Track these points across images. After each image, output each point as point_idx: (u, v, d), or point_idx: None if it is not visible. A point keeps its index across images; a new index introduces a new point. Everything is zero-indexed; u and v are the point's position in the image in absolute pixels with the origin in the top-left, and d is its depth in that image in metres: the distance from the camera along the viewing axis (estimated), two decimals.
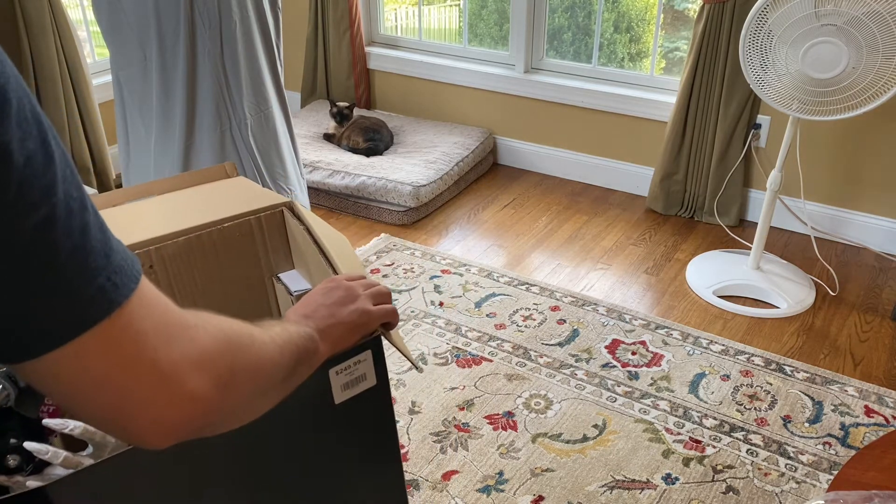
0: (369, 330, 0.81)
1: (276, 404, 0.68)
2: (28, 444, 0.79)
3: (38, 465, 0.86)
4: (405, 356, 0.85)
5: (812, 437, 1.90)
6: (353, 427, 0.84)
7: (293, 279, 1.15)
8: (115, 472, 0.69)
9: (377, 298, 0.83)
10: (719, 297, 2.45)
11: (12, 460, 0.85)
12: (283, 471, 0.80)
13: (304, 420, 0.79)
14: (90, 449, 0.84)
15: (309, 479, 0.83)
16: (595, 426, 1.93)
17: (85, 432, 0.83)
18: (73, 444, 0.84)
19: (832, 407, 1.99)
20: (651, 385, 2.07)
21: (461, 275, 2.58)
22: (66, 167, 0.47)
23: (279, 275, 1.17)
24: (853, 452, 1.84)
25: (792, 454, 1.84)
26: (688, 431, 1.91)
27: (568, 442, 1.88)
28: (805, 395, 2.04)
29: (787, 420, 1.95)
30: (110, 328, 0.48)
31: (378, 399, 0.84)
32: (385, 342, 0.85)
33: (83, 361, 0.47)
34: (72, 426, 0.82)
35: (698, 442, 1.88)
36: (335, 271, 0.95)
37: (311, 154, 3.09)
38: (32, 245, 0.44)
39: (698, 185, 2.92)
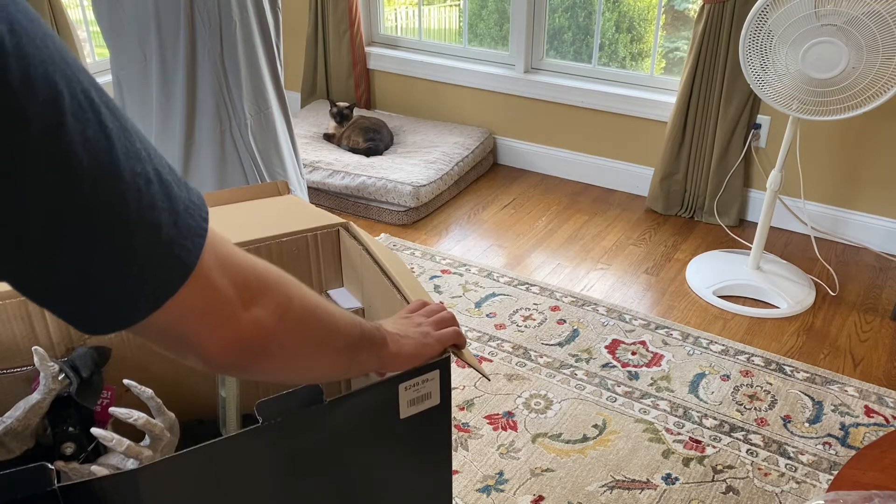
0: (433, 352, 0.84)
1: (335, 376, 0.72)
2: (96, 431, 0.83)
3: (89, 455, 0.89)
4: (477, 370, 0.89)
5: (812, 437, 1.90)
6: (413, 442, 0.87)
7: (343, 296, 1.20)
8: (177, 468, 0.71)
9: (441, 324, 0.87)
10: (719, 297, 2.45)
11: (69, 448, 0.88)
12: (340, 477, 0.83)
13: (369, 428, 0.83)
14: (147, 440, 0.86)
15: (362, 487, 0.86)
16: (595, 426, 1.93)
17: (147, 423, 0.85)
18: (124, 434, 0.87)
19: (832, 407, 1.99)
20: (651, 385, 2.07)
21: (461, 275, 2.58)
22: (125, 139, 0.48)
23: (328, 291, 1.21)
24: (853, 452, 1.84)
25: (792, 454, 1.84)
26: (688, 431, 1.91)
27: (568, 442, 1.88)
28: (805, 395, 2.04)
29: (787, 420, 1.95)
30: (189, 285, 0.53)
31: (439, 418, 0.87)
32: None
33: (171, 312, 0.53)
34: (136, 416, 0.85)
35: (698, 442, 1.88)
36: (398, 290, 0.99)
37: (311, 154, 3.09)
38: (110, 235, 0.48)
39: (698, 185, 2.92)
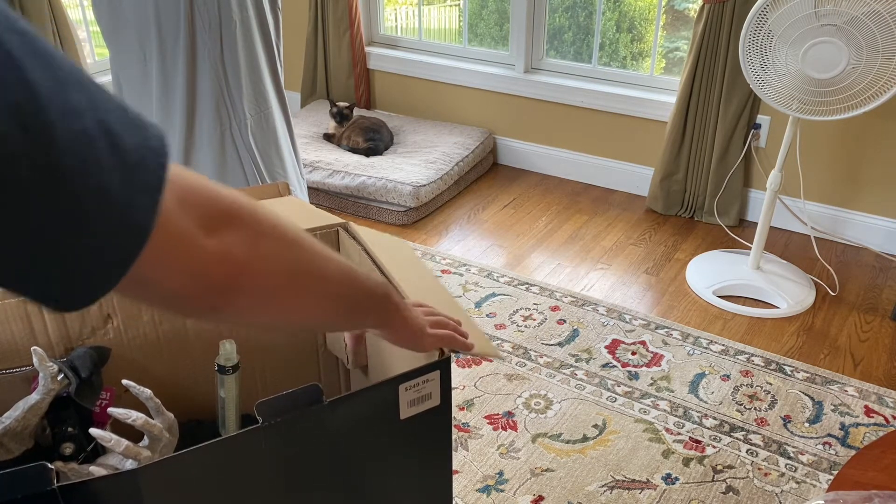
0: (429, 345, 0.85)
1: (329, 326, 0.71)
2: (94, 431, 0.83)
3: (88, 455, 0.89)
4: (492, 355, 0.90)
5: (812, 437, 1.90)
6: (414, 443, 0.88)
7: None
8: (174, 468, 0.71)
9: (436, 326, 0.87)
10: (719, 297, 2.45)
11: (67, 448, 0.88)
12: (340, 477, 0.83)
13: (369, 429, 0.83)
14: (146, 440, 0.86)
15: (362, 488, 0.86)
16: (595, 426, 1.93)
17: (145, 423, 0.85)
18: (124, 435, 0.86)
19: (832, 407, 1.99)
20: (651, 385, 2.07)
21: (461, 275, 2.58)
22: (59, 93, 0.43)
23: None
24: (853, 452, 1.84)
25: (792, 454, 1.84)
26: (688, 431, 1.91)
27: (568, 442, 1.88)
28: (805, 395, 2.04)
29: (787, 420, 1.95)
30: (149, 244, 0.49)
31: (439, 419, 0.87)
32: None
33: (136, 272, 0.49)
34: (134, 417, 0.85)
35: (698, 442, 1.88)
36: (398, 290, 1.00)
37: (311, 154, 3.08)
38: (54, 209, 0.44)
39: (698, 185, 2.92)
